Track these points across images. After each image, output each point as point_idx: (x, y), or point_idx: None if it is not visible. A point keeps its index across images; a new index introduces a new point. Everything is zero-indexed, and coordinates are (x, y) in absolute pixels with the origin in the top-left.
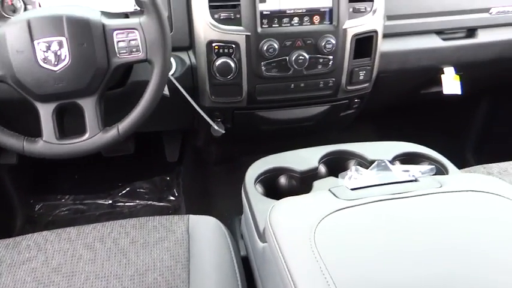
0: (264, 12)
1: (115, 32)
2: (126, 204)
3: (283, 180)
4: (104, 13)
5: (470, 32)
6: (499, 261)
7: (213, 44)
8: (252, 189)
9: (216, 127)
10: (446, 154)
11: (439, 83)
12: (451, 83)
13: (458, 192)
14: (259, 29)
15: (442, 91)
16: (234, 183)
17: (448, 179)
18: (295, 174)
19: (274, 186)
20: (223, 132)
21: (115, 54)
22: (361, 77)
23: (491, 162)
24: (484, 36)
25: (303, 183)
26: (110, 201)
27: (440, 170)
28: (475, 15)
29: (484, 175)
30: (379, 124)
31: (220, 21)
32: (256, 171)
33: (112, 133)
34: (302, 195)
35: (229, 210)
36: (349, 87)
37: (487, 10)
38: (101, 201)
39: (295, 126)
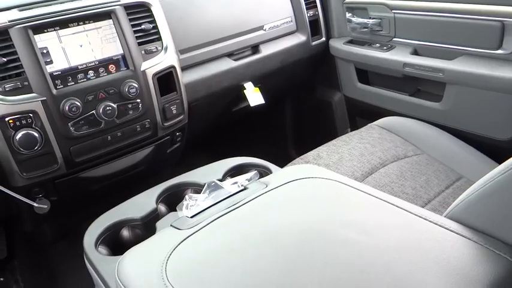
0: (55, 73)
1: None
2: None
3: (125, 232)
4: None
5: (254, 48)
6: (338, 234)
7: (6, 119)
8: (94, 254)
9: (37, 205)
10: (273, 157)
11: (245, 98)
12: (253, 96)
13: (281, 186)
14: (54, 91)
15: (249, 105)
16: (82, 257)
17: (271, 178)
18: (136, 223)
19: (120, 242)
20: (48, 207)
21: None
22: (174, 111)
23: (307, 152)
24: (266, 50)
25: (147, 229)
26: None
27: (266, 173)
28: (254, 34)
29: (301, 165)
30: (210, 148)
31: (6, 93)
32: (94, 234)
33: None
34: (146, 240)
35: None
36: (166, 124)
37: (261, 28)
38: None
39: (127, 175)
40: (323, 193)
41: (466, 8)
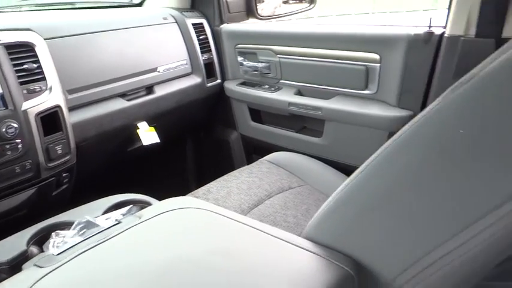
0: None
1: None
2: None
3: None
4: None
5: (149, 89)
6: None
7: None
8: None
9: None
10: (175, 195)
11: (139, 137)
12: (147, 135)
13: (153, 217)
14: None
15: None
16: None
17: (147, 211)
18: (2, 267)
19: None
20: None
21: None
22: (60, 151)
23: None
24: (160, 91)
25: (14, 272)
26: None
27: (145, 207)
28: (147, 75)
29: (178, 197)
30: (108, 188)
31: None
32: None
33: None
34: (2, 282)
35: None
36: (50, 164)
37: (155, 69)
38: None
39: (8, 219)
40: (193, 222)
41: (337, 54)
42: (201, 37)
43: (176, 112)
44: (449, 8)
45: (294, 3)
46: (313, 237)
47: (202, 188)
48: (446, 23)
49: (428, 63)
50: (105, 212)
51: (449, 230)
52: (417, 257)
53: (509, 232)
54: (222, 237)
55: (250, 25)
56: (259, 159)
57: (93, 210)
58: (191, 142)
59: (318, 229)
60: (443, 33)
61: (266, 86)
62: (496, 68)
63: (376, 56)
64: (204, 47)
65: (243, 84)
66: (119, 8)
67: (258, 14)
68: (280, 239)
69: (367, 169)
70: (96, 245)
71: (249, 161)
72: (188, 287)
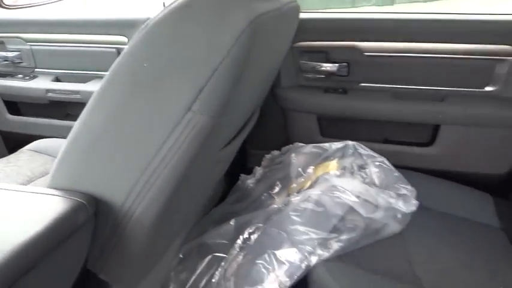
0: None
1: None
2: None
3: None
4: None
5: None
6: None
7: None
8: None
9: None
10: None
11: None
12: None
13: None
14: None
15: None
16: None
17: None
18: None
19: None
20: None
21: None
22: None
23: None
24: None
25: None
26: None
27: None
28: None
29: None
30: None
31: None
32: None
33: None
34: None
35: None
36: None
37: None
38: None
39: None
40: None
41: (89, 39)
42: None
43: None
44: None
45: None
46: (53, 184)
47: None
48: None
49: None
50: None
51: (153, 147)
52: (135, 178)
53: (193, 138)
54: None
55: None
56: (20, 149)
57: None
58: None
59: (55, 176)
60: None
61: (20, 75)
62: (162, 15)
63: (125, 39)
64: None
65: None
66: None
67: (3, 3)
68: (23, 191)
69: (85, 113)
70: None
71: None
72: None
